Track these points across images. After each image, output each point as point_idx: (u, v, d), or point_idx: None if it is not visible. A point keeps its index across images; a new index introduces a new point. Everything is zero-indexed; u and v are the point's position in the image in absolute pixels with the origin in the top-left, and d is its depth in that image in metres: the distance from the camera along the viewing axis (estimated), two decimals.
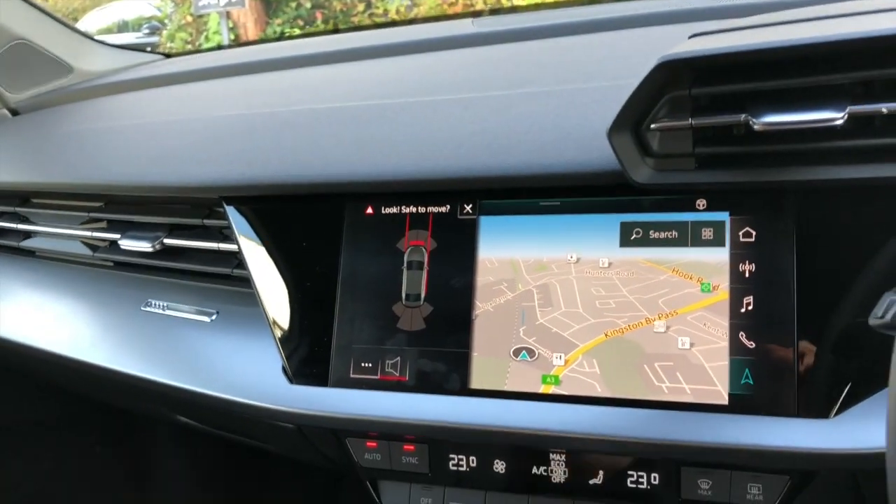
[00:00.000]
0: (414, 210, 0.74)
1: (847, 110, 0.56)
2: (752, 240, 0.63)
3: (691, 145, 0.62)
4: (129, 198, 0.93)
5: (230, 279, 0.86)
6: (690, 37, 0.63)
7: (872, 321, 0.49)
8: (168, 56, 1.43)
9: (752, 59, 0.58)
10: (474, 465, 0.71)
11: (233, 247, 0.83)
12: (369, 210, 0.76)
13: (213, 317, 0.85)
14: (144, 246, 0.90)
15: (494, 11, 1.25)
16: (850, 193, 0.61)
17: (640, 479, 0.67)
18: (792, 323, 0.61)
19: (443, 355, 0.70)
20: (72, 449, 1.23)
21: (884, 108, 0.55)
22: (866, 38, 0.53)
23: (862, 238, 0.60)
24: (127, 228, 0.93)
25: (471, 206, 0.72)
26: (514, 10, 1.24)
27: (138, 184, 0.89)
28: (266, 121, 0.87)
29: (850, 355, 0.59)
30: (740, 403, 0.61)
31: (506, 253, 0.71)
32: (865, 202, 0.60)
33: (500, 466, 0.71)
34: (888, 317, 0.47)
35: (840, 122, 0.56)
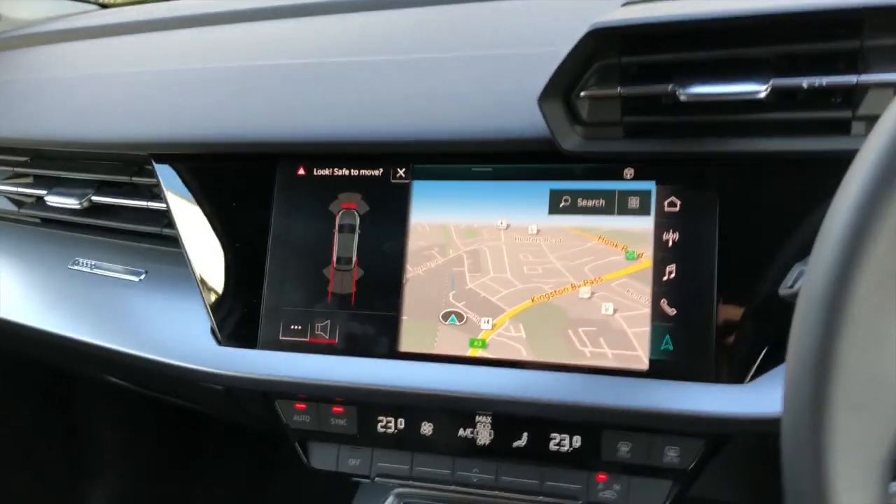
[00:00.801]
0: (346, 173, 0.73)
1: (770, 83, 0.57)
2: (677, 209, 0.64)
3: (619, 114, 0.62)
4: (56, 153, 0.91)
5: (159, 238, 0.84)
6: (623, 4, 0.63)
7: (782, 291, 0.50)
8: (104, 6, 1.38)
9: (681, 29, 0.58)
10: (402, 427, 0.72)
11: (162, 205, 0.81)
12: (301, 171, 0.75)
13: (142, 276, 0.84)
14: (72, 203, 0.88)
15: None
16: (772, 166, 0.62)
17: (563, 442, 0.68)
18: (712, 291, 0.62)
19: (373, 319, 0.70)
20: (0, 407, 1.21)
21: (805, 82, 0.56)
22: (790, 13, 0.54)
23: (781, 210, 0.61)
24: (54, 184, 0.90)
25: (404, 170, 0.72)
26: None
27: (66, 139, 0.87)
28: (198, 77, 0.85)
29: (766, 324, 0.61)
30: (660, 369, 0.63)
31: (438, 218, 0.71)
32: (786, 175, 0.62)
33: (427, 428, 0.71)
34: (795, 286, 0.48)
35: (763, 94, 0.57)
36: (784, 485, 0.37)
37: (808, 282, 0.36)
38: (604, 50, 0.60)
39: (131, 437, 1.33)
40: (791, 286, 0.49)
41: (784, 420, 0.37)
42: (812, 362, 0.34)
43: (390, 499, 0.81)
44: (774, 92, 0.57)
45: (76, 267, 0.87)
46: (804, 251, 0.60)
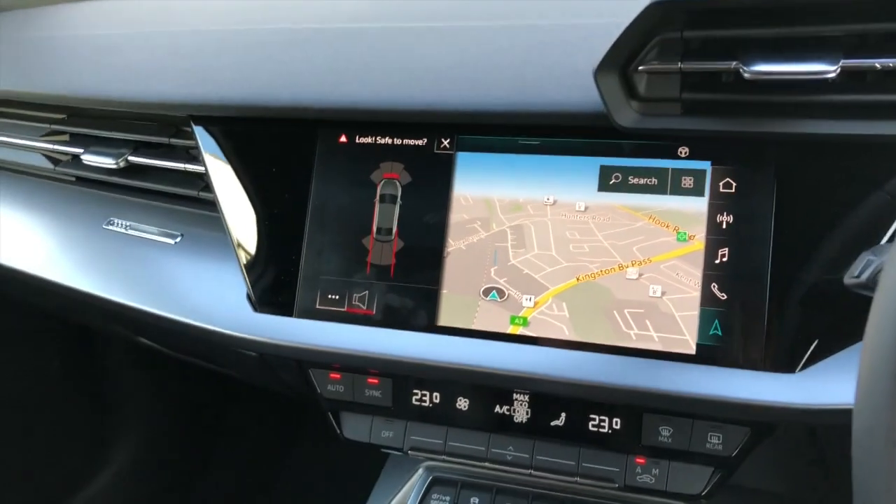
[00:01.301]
0: (389, 141, 0.72)
1: (840, 64, 0.55)
2: (732, 191, 0.62)
3: (678, 90, 0.60)
4: (93, 111, 0.89)
5: (196, 201, 0.83)
6: None
7: (848, 280, 0.49)
8: None
9: (747, 4, 0.56)
10: (437, 401, 0.71)
11: (200, 168, 0.80)
12: (343, 138, 0.73)
13: (178, 239, 0.83)
14: (108, 162, 0.87)
15: None
16: (833, 149, 0.60)
17: (602, 423, 0.67)
18: (765, 277, 0.60)
19: (411, 291, 0.69)
20: (29, 363, 1.21)
21: (877, 63, 0.54)
22: None
23: (842, 195, 0.59)
24: (90, 143, 0.89)
25: (448, 140, 0.70)
26: None
27: (104, 97, 0.86)
28: (241, 38, 0.83)
29: (820, 312, 0.59)
30: (707, 354, 0.61)
31: (481, 191, 0.69)
32: (849, 158, 0.60)
33: (462, 404, 0.71)
34: (864, 276, 0.46)
35: (832, 75, 0.55)
36: (854, 481, 0.36)
37: (891, 274, 0.34)
38: (665, 23, 0.58)
39: (158, 396, 1.33)
40: (858, 276, 0.47)
41: (858, 414, 0.35)
42: (894, 356, 0.33)
43: (420, 471, 0.81)
44: (844, 72, 0.55)
45: (111, 227, 0.87)
46: (865, 238, 0.58)
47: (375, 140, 0.72)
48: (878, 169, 0.59)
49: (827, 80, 0.55)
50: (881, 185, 0.59)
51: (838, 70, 0.55)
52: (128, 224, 0.86)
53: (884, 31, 0.54)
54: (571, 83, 0.64)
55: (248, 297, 0.74)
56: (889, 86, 0.56)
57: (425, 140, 0.71)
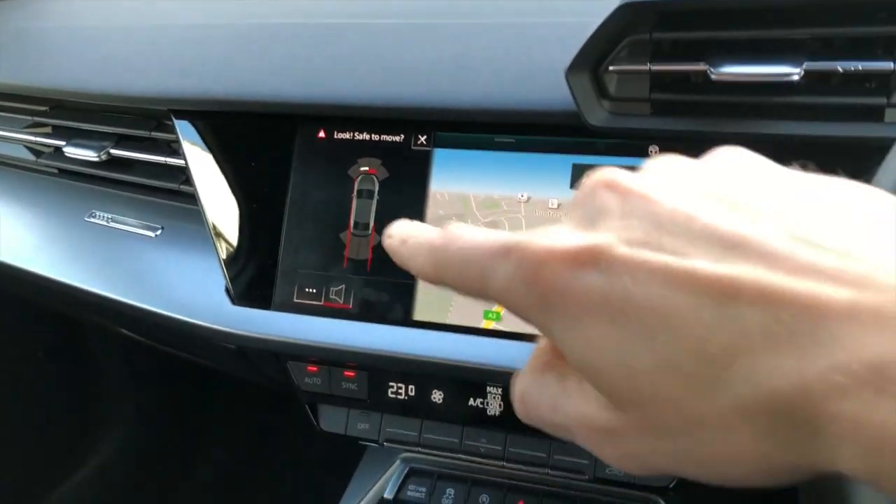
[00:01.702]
0: (367, 137, 0.73)
1: (804, 66, 0.56)
2: None
3: (648, 91, 0.61)
4: (75, 104, 0.90)
5: (177, 195, 0.84)
6: None
7: None
8: None
9: (715, 6, 0.57)
10: (412, 394, 0.72)
11: (180, 161, 0.81)
12: (321, 134, 0.74)
13: (158, 232, 0.84)
14: (90, 154, 0.88)
15: None
16: (799, 148, 0.61)
17: None
18: None
19: (388, 286, 0.70)
20: (10, 353, 1.22)
21: (840, 66, 0.55)
22: None
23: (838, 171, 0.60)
24: (72, 135, 0.90)
25: (425, 137, 0.71)
26: None
27: (86, 90, 0.86)
28: (221, 33, 0.84)
29: None
30: None
31: (457, 187, 0.70)
32: (813, 158, 0.61)
33: (437, 396, 0.72)
34: None
35: (796, 77, 0.56)
36: None
37: None
38: (635, 24, 0.59)
39: (142, 387, 1.34)
40: None
41: None
42: None
43: (396, 463, 0.82)
44: (808, 75, 0.56)
45: (92, 219, 0.87)
46: None
47: (353, 136, 0.73)
48: (843, 167, 0.60)
49: (792, 82, 0.57)
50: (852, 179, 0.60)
51: (802, 73, 0.56)
52: (109, 216, 0.87)
53: (847, 35, 0.56)
54: (545, 82, 0.66)
55: (227, 290, 0.75)
56: (851, 89, 0.57)
57: (403, 136, 0.72)
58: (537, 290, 0.26)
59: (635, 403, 0.25)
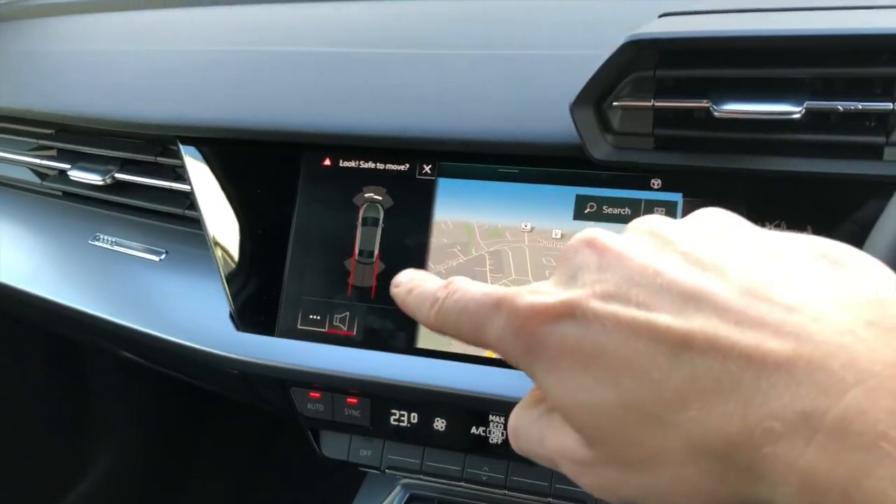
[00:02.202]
0: (372, 166, 0.74)
1: (805, 105, 0.57)
2: None
3: (651, 126, 0.62)
4: (80, 128, 0.91)
5: (181, 219, 0.85)
6: (660, 16, 0.63)
7: None
8: None
9: (718, 45, 0.58)
10: (415, 421, 0.73)
11: (186, 186, 0.81)
12: (327, 162, 0.75)
13: (162, 256, 0.84)
14: (95, 178, 0.88)
15: None
16: (800, 185, 0.62)
17: None
18: None
19: (392, 313, 0.71)
20: (10, 371, 1.22)
21: (840, 105, 0.56)
22: (829, 36, 0.54)
23: (805, 230, 0.62)
24: (77, 159, 0.91)
25: (430, 166, 0.72)
26: None
27: (92, 115, 0.87)
28: (229, 59, 0.85)
29: None
30: None
31: (461, 216, 0.71)
32: (814, 195, 0.62)
33: (439, 424, 0.72)
34: None
35: (797, 115, 0.57)
36: None
37: None
38: (639, 61, 0.60)
39: (141, 408, 1.34)
40: None
41: None
42: None
43: (397, 489, 0.82)
44: (809, 113, 0.57)
45: (96, 243, 0.88)
46: None
47: (359, 164, 0.74)
48: (843, 206, 0.61)
49: (793, 120, 0.58)
50: (848, 216, 0.61)
51: (803, 111, 0.57)
52: (113, 240, 0.87)
53: (847, 75, 0.57)
54: (549, 115, 0.66)
55: (231, 316, 0.76)
56: (851, 127, 0.58)
57: (408, 165, 0.73)
58: (522, 340, 0.30)
59: (602, 440, 0.28)
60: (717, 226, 0.30)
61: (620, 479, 0.29)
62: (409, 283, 0.36)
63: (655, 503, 0.28)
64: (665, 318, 0.26)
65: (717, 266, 0.27)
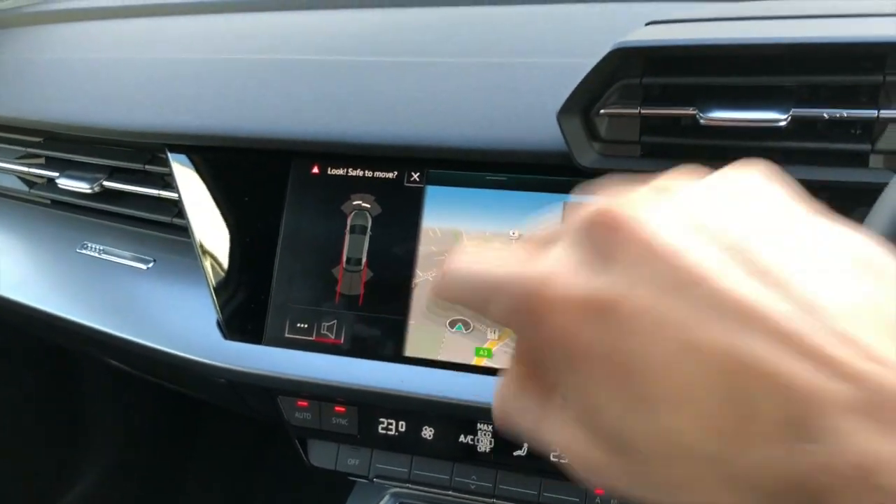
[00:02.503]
0: (360, 173, 0.74)
1: (791, 112, 0.57)
2: None
3: (638, 133, 0.62)
4: (70, 136, 0.90)
5: (169, 227, 0.85)
6: (647, 24, 0.63)
7: None
8: None
9: (705, 53, 0.58)
10: (403, 430, 0.72)
11: (174, 194, 0.81)
12: (315, 170, 0.75)
13: (150, 265, 0.84)
14: (83, 186, 0.88)
15: None
16: None
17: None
18: None
19: (379, 321, 0.71)
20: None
21: (825, 113, 0.56)
22: (815, 44, 0.54)
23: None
24: (66, 167, 0.90)
25: (418, 174, 0.72)
26: None
27: (81, 124, 0.87)
28: (217, 67, 0.85)
29: None
30: None
31: (449, 224, 0.71)
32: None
33: (427, 433, 0.72)
34: None
35: (783, 123, 0.57)
36: None
37: None
38: (626, 69, 0.60)
39: (129, 416, 1.33)
40: None
41: None
42: None
43: (386, 498, 0.82)
44: (795, 121, 0.57)
45: (84, 251, 0.87)
46: None
47: (347, 172, 0.74)
48: (831, 209, 0.61)
49: (779, 127, 0.58)
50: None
51: (789, 119, 0.57)
52: (101, 248, 0.87)
53: (832, 83, 0.57)
54: (537, 123, 0.67)
55: (219, 324, 0.76)
56: (837, 135, 0.58)
57: (396, 173, 0.73)
58: (543, 332, 0.26)
59: (629, 456, 0.25)
60: (764, 200, 0.27)
61: (638, 491, 0.26)
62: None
63: None
64: (719, 341, 0.23)
65: (772, 273, 0.23)
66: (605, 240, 0.25)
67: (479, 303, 0.28)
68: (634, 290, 0.24)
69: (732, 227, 0.25)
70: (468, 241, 0.31)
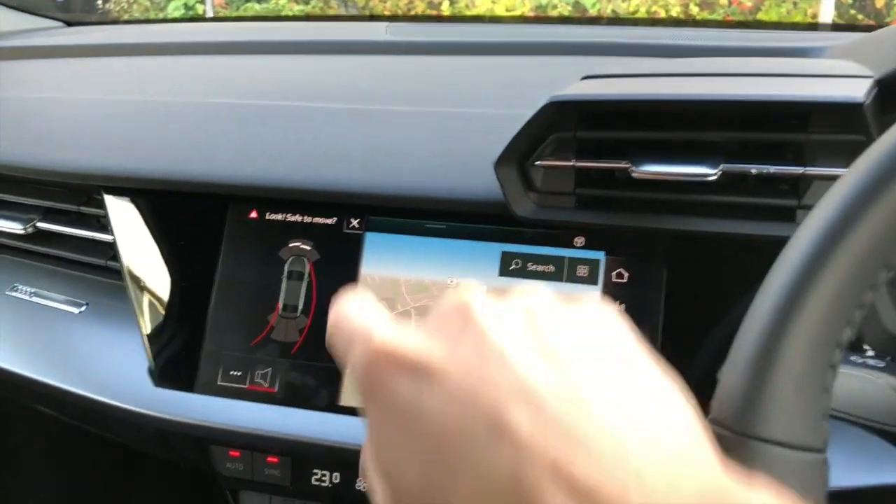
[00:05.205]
0: (299, 219, 0.73)
1: (721, 167, 0.58)
2: (625, 280, 0.65)
3: (573, 185, 0.63)
4: (3, 175, 0.88)
5: (104, 270, 0.82)
6: (583, 78, 0.64)
7: (720, 375, 0.51)
8: (69, 24, 1.36)
9: (638, 108, 0.59)
10: (337, 481, 0.71)
11: (109, 237, 0.79)
12: (253, 214, 0.74)
13: (83, 308, 0.81)
14: (16, 227, 0.86)
15: (410, 18, 1.25)
16: (719, 245, 0.63)
17: None
18: None
19: (315, 370, 0.69)
20: None
21: (753, 169, 0.58)
22: (742, 101, 0.56)
23: (725, 289, 0.62)
24: None
25: (357, 220, 0.72)
26: (429, 18, 1.24)
27: (15, 163, 0.85)
28: (156, 110, 0.84)
29: (701, 405, 0.61)
30: None
31: (388, 271, 0.70)
32: (732, 255, 0.63)
33: (362, 484, 0.70)
34: None
35: (714, 177, 0.58)
36: None
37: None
38: (561, 122, 0.61)
39: (59, 466, 1.28)
40: None
41: None
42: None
43: None
44: (725, 176, 0.58)
45: (14, 293, 0.85)
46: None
47: (286, 217, 0.73)
48: (760, 262, 0.62)
49: (709, 181, 0.59)
50: (765, 276, 0.62)
51: (719, 173, 0.58)
52: (32, 291, 0.85)
53: (759, 140, 0.58)
54: (475, 172, 0.67)
55: (150, 371, 0.74)
56: (765, 190, 0.59)
57: (335, 219, 0.72)
58: (366, 378, 0.29)
59: (396, 499, 0.28)
60: (596, 332, 0.30)
61: None
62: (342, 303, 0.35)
63: None
64: (486, 402, 0.26)
65: (565, 372, 0.27)
66: (447, 317, 0.29)
67: (344, 351, 0.32)
68: (447, 357, 0.27)
69: (557, 341, 0.28)
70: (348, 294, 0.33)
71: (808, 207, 0.57)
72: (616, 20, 1.17)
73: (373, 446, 0.29)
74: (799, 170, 0.57)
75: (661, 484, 0.24)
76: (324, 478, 0.71)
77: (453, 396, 0.26)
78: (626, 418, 0.26)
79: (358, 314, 0.32)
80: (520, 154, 0.62)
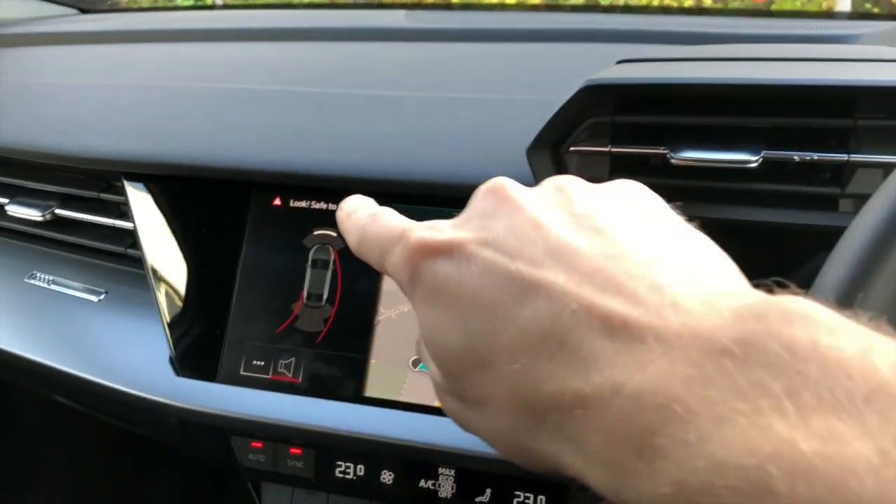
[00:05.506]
0: (324, 206, 0.71)
1: (762, 154, 0.57)
2: None
3: (608, 172, 0.61)
4: (21, 161, 0.87)
5: (123, 258, 0.81)
6: (618, 62, 0.63)
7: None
8: (83, 11, 1.35)
9: (676, 92, 0.58)
10: (361, 473, 0.69)
11: (129, 224, 0.78)
12: (277, 202, 0.73)
13: (102, 296, 0.80)
14: (34, 214, 0.85)
15: (430, 6, 1.23)
16: (757, 233, 0.62)
17: (527, 499, 0.66)
18: None
19: (339, 360, 0.68)
20: None
21: (796, 156, 0.56)
22: (786, 86, 0.54)
23: (766, 275, 0.61)
24: (16, 193, 0.87)
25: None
26: (448, 6, 1.22)
27: (34, 149, 0.84)
28: (179, 95, 0.83)
29: None
30: None
31: None
32: (770, 243, 0.61)
33: (387, 477, 0.69)
34: None
35: (754, 165, 0.57)
36: None
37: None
38: (597, 107, 0.59)
39: (75, 456, 1.28)
40: None
41: None
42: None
43: None
44: (765, 163, 0.57)
45: (33, 281, 0.84)
46: None
47: (310, 205, 0.72)
48: (799, 252, 0.60)
49: (749, 169, 0.57)
50: (803, 266, 0.60)
51: (760, 160, 0.56)
52: (51, 279, 0.83)
53: (802, 125, 0.57)
54: (506, 159, 0.65)
55: (171, 360, 0.72)
56: (807, 177, 0.58)
57: None
58: (408, 270, 0.31)
59: (449, 375, 0.30)
60: (623, 197, 0.31)
61: (462, 412, 0.31)
62: (350, 208, 0.38)
63: (486, 440, 0.31)
64: (521, 265, 0.27)
65: (597, 230, 0.28)
66: (480, 202, 0.31)
67: (380, 256, 0.34)
68: (482, 234, 0.29)
69: (588, 203, 0.29)
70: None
71: (852, 196, 0.56)
72: (632, 8, 1.15)
73: (422, 332, 0.31)
74: (843, 157, 0.55)
75: (697, 307, 0.24)
76: (348, 470, 0.69)
77: (490, 266, 0.28)
78: (659, 261, 0.26)
79: (384, 219, 0.34)
80: (553, 139, 0.60)
